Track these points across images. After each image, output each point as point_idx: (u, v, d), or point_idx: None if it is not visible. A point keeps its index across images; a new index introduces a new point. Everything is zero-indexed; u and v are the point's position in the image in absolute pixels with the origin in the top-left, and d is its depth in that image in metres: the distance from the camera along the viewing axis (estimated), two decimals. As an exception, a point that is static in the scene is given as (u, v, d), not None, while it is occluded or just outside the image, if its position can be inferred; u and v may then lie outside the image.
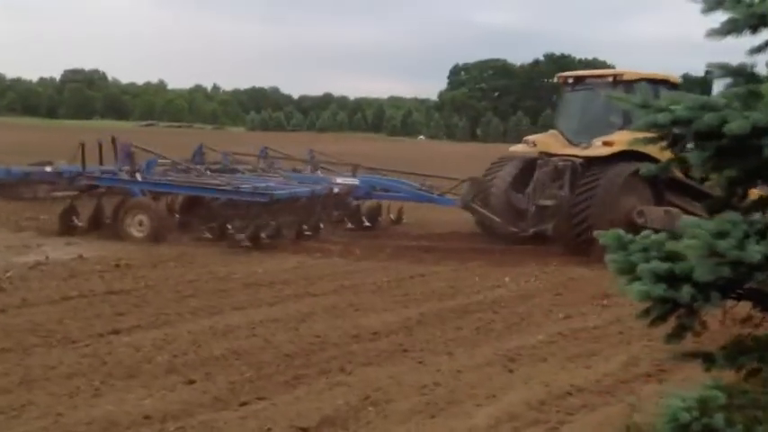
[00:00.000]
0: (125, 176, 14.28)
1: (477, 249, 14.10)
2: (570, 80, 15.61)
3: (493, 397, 6.23)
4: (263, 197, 13.67)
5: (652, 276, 3.54)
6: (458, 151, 62.66)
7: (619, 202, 13.51)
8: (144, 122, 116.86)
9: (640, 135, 3.79)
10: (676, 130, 3.61)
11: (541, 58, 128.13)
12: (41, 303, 8.86)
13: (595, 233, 4.01)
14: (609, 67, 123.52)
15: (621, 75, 14.74)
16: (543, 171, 14.62)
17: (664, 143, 3.72)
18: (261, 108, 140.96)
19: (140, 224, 13.54)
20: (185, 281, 10.52)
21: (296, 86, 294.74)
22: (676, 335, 3.75)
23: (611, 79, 14.80)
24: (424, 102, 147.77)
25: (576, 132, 15.09)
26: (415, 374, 6.80)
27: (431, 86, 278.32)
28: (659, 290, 3.43)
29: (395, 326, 8.48)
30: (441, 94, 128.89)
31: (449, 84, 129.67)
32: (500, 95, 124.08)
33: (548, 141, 15.27)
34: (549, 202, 14.45)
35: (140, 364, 6.82)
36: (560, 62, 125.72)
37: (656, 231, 4.05)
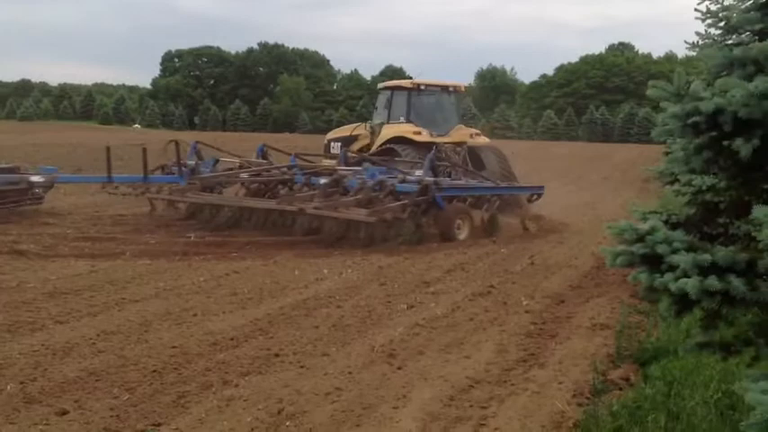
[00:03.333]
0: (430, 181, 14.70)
1: (276, 244, 13.59)
2: (422, 87, 19.71)
3: (403, 397, 5.99)
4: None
5: (694, 268, 3.50)
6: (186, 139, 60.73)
7: None
8: None
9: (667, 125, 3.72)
10: (702, 119, 3.58)
11: (255, 46, 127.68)
12: None
13: (607, 225, 3.92)
14: (321, 56, 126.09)
15: (459, 86, 20.30)
16: (447, 154, 18.20)
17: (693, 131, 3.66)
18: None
19: (458, 228, 14.73)
20: (-32, 294, 9.12)
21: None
22: (711, 325, 3.76)
23: (452, 89, 20.02)
24: (133, 89, 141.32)
25: (427, 125, 19.16)
26: (307, 380, 6.37)
27: (140, 73, 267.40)
28: (713, 282, 3.39)
29: (248, 329, 7.92)
30: (154, 82, 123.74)
31: (162, 71, 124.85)
32: (216, 83, 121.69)
33: (421, 132, 18.92)
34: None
35: (-13, 396, 5.74)
36: (274, 51, 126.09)
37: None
